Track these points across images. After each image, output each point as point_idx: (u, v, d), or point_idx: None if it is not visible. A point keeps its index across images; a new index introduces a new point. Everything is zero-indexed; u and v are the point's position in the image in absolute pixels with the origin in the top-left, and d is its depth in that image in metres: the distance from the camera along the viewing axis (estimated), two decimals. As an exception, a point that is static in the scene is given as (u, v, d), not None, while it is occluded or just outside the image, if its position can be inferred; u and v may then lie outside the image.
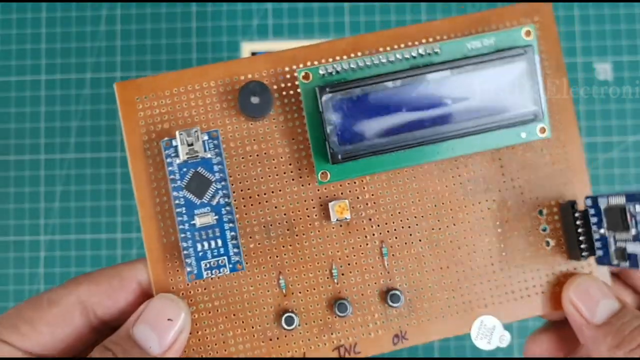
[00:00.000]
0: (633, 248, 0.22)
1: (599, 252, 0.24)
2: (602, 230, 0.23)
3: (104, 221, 0.43)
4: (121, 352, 0.21)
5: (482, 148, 0.24)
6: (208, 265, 0.23)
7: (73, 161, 0.44)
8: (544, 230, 0.25)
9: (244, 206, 0.24)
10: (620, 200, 0.22)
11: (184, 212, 0.23)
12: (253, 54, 0.45)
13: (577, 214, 0.24)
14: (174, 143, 0.23)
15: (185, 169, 0.23)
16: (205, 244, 0.23)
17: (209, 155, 0.23)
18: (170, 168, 0.23)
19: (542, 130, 0.24)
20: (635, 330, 0.22)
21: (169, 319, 0.22)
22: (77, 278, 0.24)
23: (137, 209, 0.43)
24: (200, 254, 0.23)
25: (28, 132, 0.44)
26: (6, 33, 0.45)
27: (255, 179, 0.24)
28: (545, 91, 0.24)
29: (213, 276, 0.23)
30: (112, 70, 0.45)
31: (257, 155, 0.24)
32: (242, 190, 0.24)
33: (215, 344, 0.24)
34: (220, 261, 0.23)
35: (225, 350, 0.24)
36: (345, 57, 0.24)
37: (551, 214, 0.25)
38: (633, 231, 0.21)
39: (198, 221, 0.23)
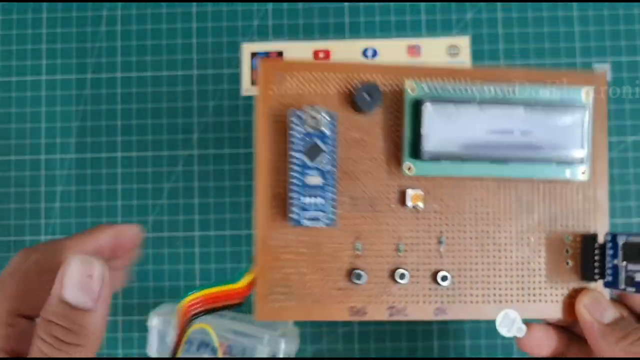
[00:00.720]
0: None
1: (609, 278, 0.29)
2: (615, 261, 0.29)
3: (105, 221, 0.44)
4: (61, 317, 0.23)
5: (533, 175, 0.29)
6: (308, 216, 0.27)
7: (74, 161, 0.44)
8: (567, 252, 0.30)
9: (340, 180, 0.29)
10: (639, 240, 0.28)
11: (297, 169, 0.27)
12: (253, 54, 0.45)
13: (596, 245, 0.29)
14: (300, 114, 0.27)
15: (306, 137, 0.27)
16: (309, 200, 0.27)
17: (326, 130, 0.27)
18: (293, 132, 0.27)
19: (583, 172, 0.29)
20: (636, 329, 0.28)
21: (89, 275, 0.24)
22: (61, 244, 0.27)
23: (137, 210, 0.44)
24: (304, 206, 0.27)
25: (29, 132, 0.45)
26: (7, 33, 0.45)
27: (352, 160, 0.29)
28: (592, 142, 0.30)
29: (310, 225, 0.28)
30: (113, 71, 0.45)
31: (357, 141, 0.29)
32: (340, 166, 0.29)
33: (295, 283, 0.29)
34: (318, 215, 0.27)
35: (302, 291, 0.29)
36: (441, 80, 0.30)
37: (575, 240, 0.30)
38: None
39: (308, 180, 0.27)
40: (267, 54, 0.45)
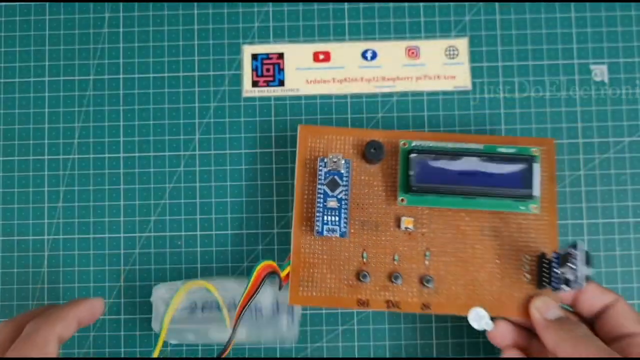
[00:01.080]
0: (569, 276, 0.35)
1: (554, 284, 0.37)
2: (558, 271, 0.36)
3: (107, 220, 0.44)
4: None
5: (496, 209, 0.39)
6: (327, 229, 0.37)
7: (76, 161, 0.44)
8: (525, 267, 0.39)
9: (353, 209, 0.40)
10: (567, 249, 0.35)
11: (321, 196, 0.38)
12: (254, 56, 0.45)
13: (545, 261, 0.38)
14: (325, 159, 0.38)
15: (328, 175, 0.38)
16: (329, 217, 0.38)
17: (342, 171, 0.38)
18: (319, 172, 0.38)
19: (535, 208, 0.39)
20: (572, 323, 0.35)
21: None
22: (48, 322, 0.34)
23: (139, 209, 0.44)
24: (325, 221, 0.38)
25: (32, 133, 0.45)
26: (10, 35, 0.46)
27: (362, 195, 0.40)
28: (541, 186, 0.38)
29: (329, 235, 0.38)
30: (116, 73, 0.45)
31: (366, 182, 0.40)
32: (352, 199, 0.40)
33: (318, 279, 0.39)
34: (334, 229, 0.37)
35: (322, 285, 0.39)
36: (425, 140, 0.40)
37: (532, 258, 0.39)
38: (568, 267, 0.35)
39: (328, 204, 0.38)
40: (267, 56, 0.45)
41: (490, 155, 0.38)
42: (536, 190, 0.37)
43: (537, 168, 0.38)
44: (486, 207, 0.38)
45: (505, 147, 0.39)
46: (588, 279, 0.35)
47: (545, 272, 0.38)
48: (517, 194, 0.38)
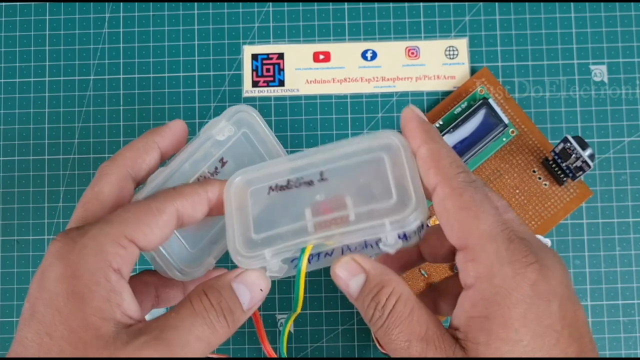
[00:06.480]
0: (578, 163, 0.39)
1: (572, 176, 0.41)
2: (564, 164, 0.41)
3: (107, 221, 0.44)
4: (216, 298, 0.26)
5: (488, 156, 0.43)
6: None
7: (76, 161, 0.45)
8: (540, 179, 0.43)
9: None
10: (561, 145, 0.39)
11: None
12: (254, 56, 0.45)
13: (550, 163, 0.42)
14: None
15: None
16: None
17: None
18: None
19: (512, 132, 0.43)
20: (374, 295, 0.26)
21: (260, 289, 0.27)
22: (169, 191, 0.28)
23: (139, 209, 0.44)
24: None
25: (32, 133, 0.45)
26: (10, 35, 0.46)
27: None
28: (505, 113, 0.42)
29: None
30: (116, 73, 0.45)
31: None
32: None
33: None
34: None
35: None
36: None
37: (539, 168, 0.43)
38: (573, 157, 0.39)
39: None
40: (267, 56, 0.45)
41: (454, 126, 0.42)
42: (505, 119, 0.41)
43: (493, 103, 0.41)
44: (479, 161, 0.43)
45: (457, 107, 0.43)
46: (592, 157, 0.38)
47: (557, 171, 0.42)
48: (495, 135, 0.41)
